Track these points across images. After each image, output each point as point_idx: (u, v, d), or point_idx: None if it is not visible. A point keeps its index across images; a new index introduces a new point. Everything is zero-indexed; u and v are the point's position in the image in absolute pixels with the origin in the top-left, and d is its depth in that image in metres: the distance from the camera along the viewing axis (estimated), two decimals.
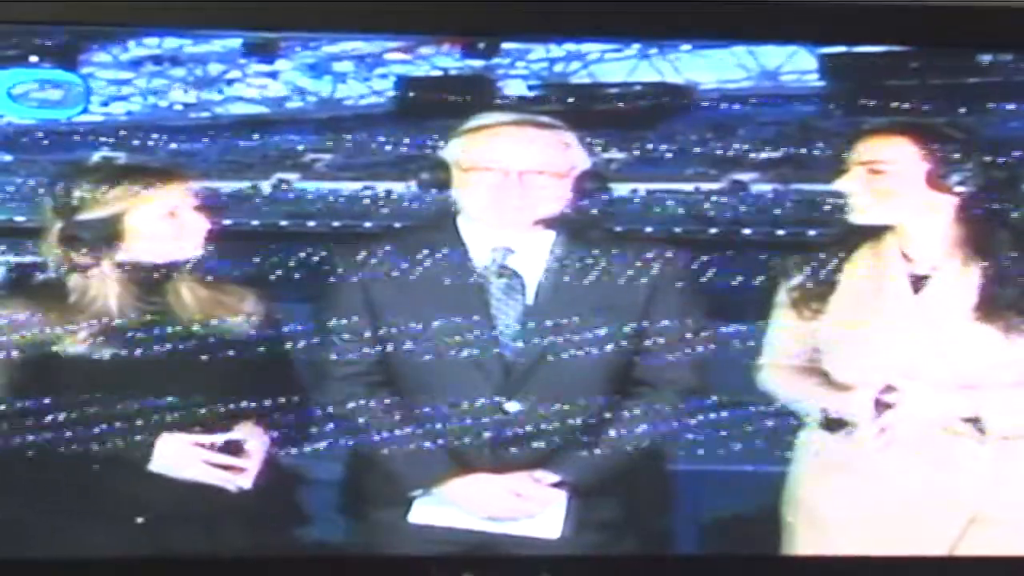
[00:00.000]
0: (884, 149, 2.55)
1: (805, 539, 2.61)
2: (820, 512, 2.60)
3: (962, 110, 2.68)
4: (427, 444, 2.49)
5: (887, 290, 2.56)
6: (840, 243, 2.60)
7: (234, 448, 2.49)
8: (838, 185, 2.56)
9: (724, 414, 2.58)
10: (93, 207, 2.48)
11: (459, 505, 2.50)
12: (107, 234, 2.48)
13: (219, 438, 2.48)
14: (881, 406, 2.51)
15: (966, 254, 2.53)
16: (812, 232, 2.69)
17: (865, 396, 2.51)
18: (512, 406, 2.47)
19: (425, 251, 2.49)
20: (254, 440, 2.51)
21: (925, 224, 2.54)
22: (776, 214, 2.77)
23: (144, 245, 2.49)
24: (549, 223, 2.50)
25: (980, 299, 2.51)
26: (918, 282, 2.55)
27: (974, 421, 2.51)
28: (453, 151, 2.51)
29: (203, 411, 2.47)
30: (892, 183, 2.53)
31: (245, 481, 2.50)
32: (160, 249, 2.49)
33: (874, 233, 2.58)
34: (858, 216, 2.55)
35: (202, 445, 2.47)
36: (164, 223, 2.49)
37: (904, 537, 2.56)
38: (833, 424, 2.55)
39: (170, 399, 2.46)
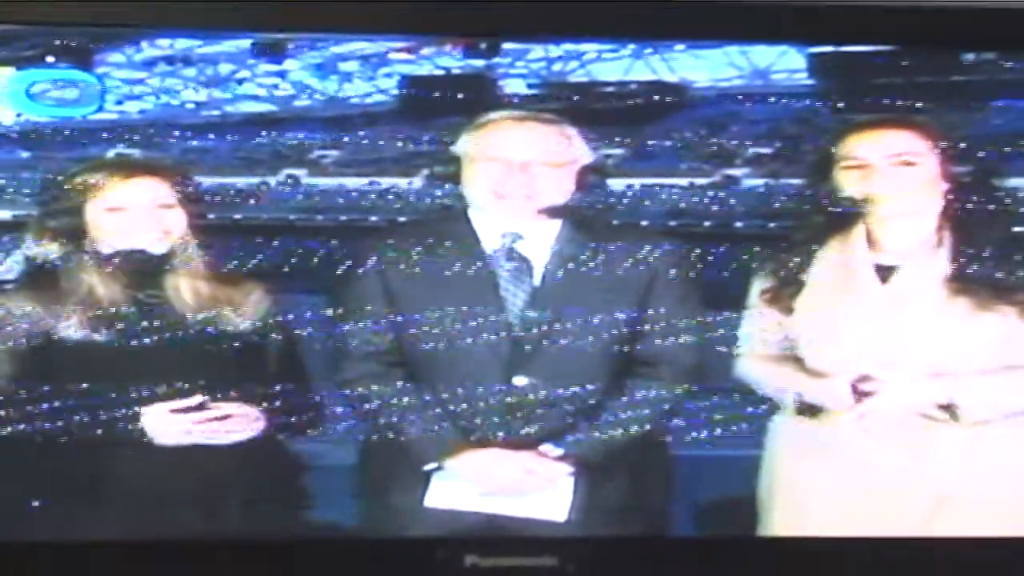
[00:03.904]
0: (875, 144, 2.61)
1: (783, 521, 2.67)
2: (798, 494, 2.65)
3: (947, 107, 2.73)
4: (440, 421, 2.56)
5: (856, 281, 2.62)
6: (810, 237, 2.65)
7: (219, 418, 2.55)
8: (831, 181, 2.62)
9: (715, 401, 2.65)
10: (60, 198, 2.54)
11: (470, 480, 2.57)
12: (73, 225, 2.53)
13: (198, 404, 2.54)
14: (859, 394, 2.58)
15: (939, 243, 2.60)
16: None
17: (841, 384, 2.57)
18: (520, 380, 2.56)
19: (439, 240, 2.58)
20: (242, 413, 2.55)
21: (904, 216, 2.61)
22: (767, 208, 2.81)
23: (104, 237, 2.54)
24: (553, 212, 2.58)
25: (951, 277, 2.57)
26: (886, 272, 2.61)
27: (948, 408, 2.58)
28: (463, 146, 2.60)
29: (197, 398, 2.52)
30: (883, 177, 2.59)
31: (236, 434, 2.54)
32: (118, 243, 2.54)
33: (842, 225, 2.64)
34: (843, 208, 2.61)
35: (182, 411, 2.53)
36: (112, 217, 2.53)
37: (880, 518, 2.60)
38: (807, 409, 2.61)
39: (165, 388, 2.50)
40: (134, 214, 2.53)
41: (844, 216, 2.61)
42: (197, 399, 2.52)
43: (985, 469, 2.59)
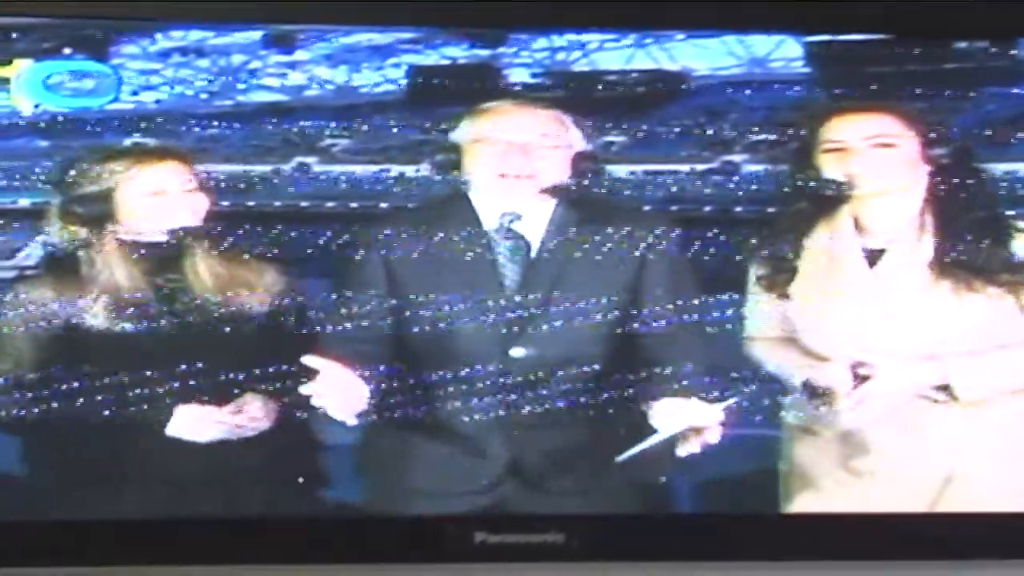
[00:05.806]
0: (853, 127, 2.65)
1: (799, 498, 2.73)
2: (810, 473, 2.71)
3: (940, 94, 2.79)
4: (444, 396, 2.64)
5: (845, 265, 2.67)
6: (798, 222, 2.70)
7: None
8: (812, 165, 2.67)
9: (714, 380, 2.69)
10: (86, 184, 2.60)
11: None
12: (100, 210, 2.59)
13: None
14: (857, 378, 2.63)
15: (923, 225, 2.64)
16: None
17: (840, 368, 2.63)
18: (517, 351, 2.63)
19: (441, 222, 2.66)
20: (259, 405, 2.62)
21: (886, 198, 2.65)
22: (766, 193, 2.85)
23: (136, 222, 2.60)
24: (552, 192, 2.66)
25: (936, 259, 2.62)
26: (873, 256, 2.66)
27: (944, 388, 2.63)
28: (463, 132, 2.68)
29: (216, 382, 2.59)
30: (863, 159, 2.64)
31: (259, 423, 2.60)
32: (153, 226, 2.60)
33: (829, 210, 2.68)
34: (824, 191, 2.65)
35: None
36: (151, 201, 2.60)
37: (887, 496, 2.67)
38: (815, 393, 2.67)
39: (183, 369, 2.57)
40: (167, 198, 2.59)
41: (830, 201, 2.66)
42: (224, 395, 2.59)
43: (986, 447, 2.64)
